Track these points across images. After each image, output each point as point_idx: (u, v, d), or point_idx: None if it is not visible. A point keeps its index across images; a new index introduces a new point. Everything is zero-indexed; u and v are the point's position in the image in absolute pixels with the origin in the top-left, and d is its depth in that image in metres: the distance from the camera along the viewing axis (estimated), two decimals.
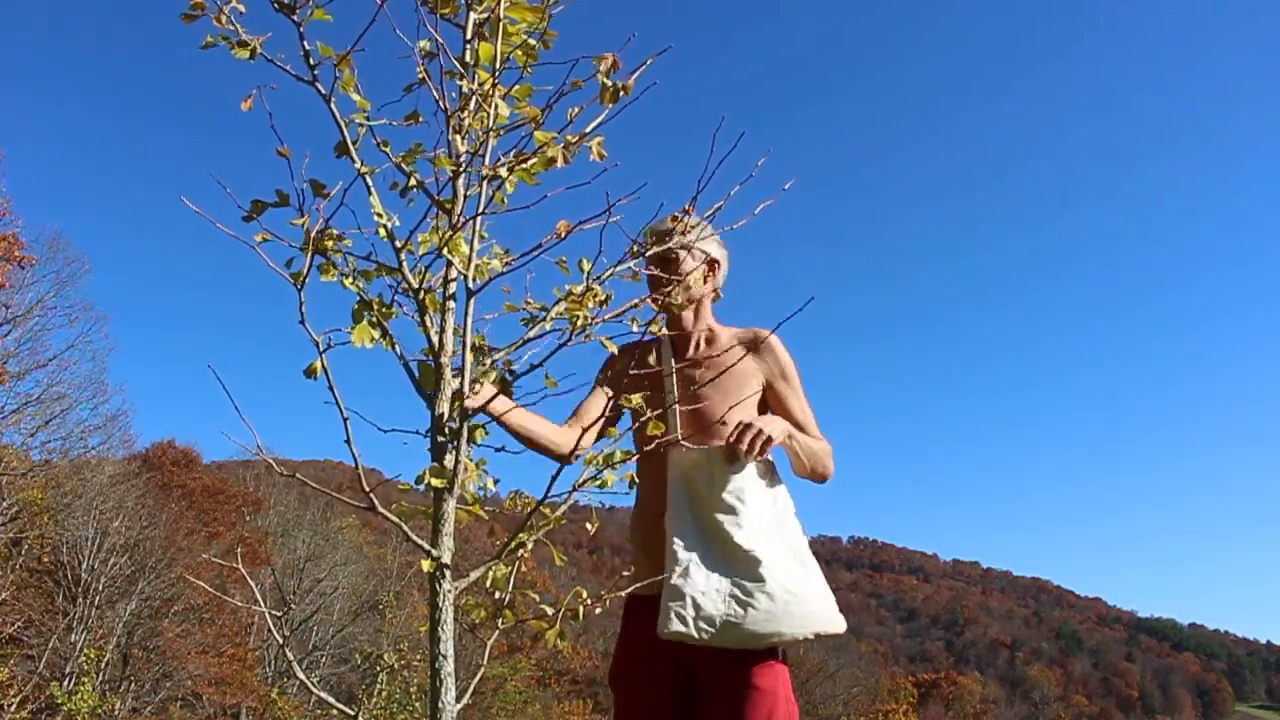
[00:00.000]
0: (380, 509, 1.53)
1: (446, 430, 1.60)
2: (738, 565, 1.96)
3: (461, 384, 1.58)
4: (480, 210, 1.64)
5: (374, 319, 1.64)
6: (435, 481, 1.54)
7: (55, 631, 16.75)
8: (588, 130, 1.62)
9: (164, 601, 19.40)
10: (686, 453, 2.05)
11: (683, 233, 2.02)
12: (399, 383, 1.69)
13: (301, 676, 1.68)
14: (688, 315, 2.24)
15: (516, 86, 1.66)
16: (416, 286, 1.62)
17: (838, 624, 2.00)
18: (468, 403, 1.58)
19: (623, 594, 1.73)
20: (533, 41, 1.67)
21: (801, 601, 1.96)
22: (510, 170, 1.62)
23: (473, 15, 1.72)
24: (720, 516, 1.99)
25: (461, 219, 1.63)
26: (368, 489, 1.49)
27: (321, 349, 1.54)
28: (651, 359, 2.18)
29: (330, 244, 1.60)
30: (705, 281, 2.22)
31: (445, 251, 1.61)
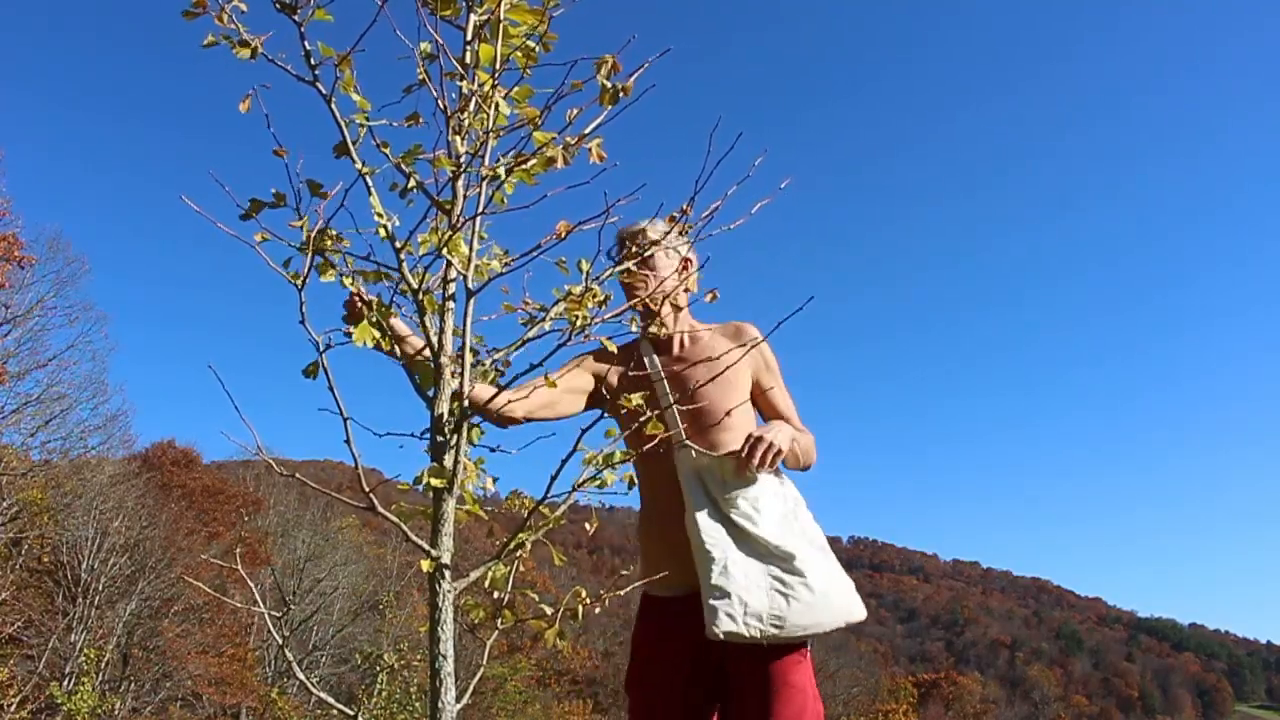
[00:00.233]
0: (380, 509, 1.53)
1: (446, 430, 1.60)
2: (773, 560, 1.96)
3: (461, 384, 1.58)
4: (480, 211, 1.64)
5: (374, 319, 1.65)
6: (434, 481, 1.54)
7: (55, 631, 16.75)
8: (587, 131, 1.63)
9: (164, 601, 19.40)
10: (697, 456, 2.05)
11: (654, 238, 2.03)
12: (399, 383, 1.70)
13: (301, 677, 1.68)
14: (668, 315, 2.22)
15: (516, 88, 1.67)
16: (416, 287, 1.63)
17: (862, 611, 2.05)
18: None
19: (622, 593, 1.73)
20: (532, 44, 1.68)
21: (838, 593, 1.99)
22: (510, 171, 1.62)
23: (473, 17, 1.73)
24: (738, 516, 1.99)
25: (461, 219, 1.64)
26: (367, 489, 1.50)
27: (321, 349, 1.55)
28: (632, 362, 2.18)
29: (329, 244, 1.61)
30: (680, 279, 2.20)
31: (445, 252, 1.62)
